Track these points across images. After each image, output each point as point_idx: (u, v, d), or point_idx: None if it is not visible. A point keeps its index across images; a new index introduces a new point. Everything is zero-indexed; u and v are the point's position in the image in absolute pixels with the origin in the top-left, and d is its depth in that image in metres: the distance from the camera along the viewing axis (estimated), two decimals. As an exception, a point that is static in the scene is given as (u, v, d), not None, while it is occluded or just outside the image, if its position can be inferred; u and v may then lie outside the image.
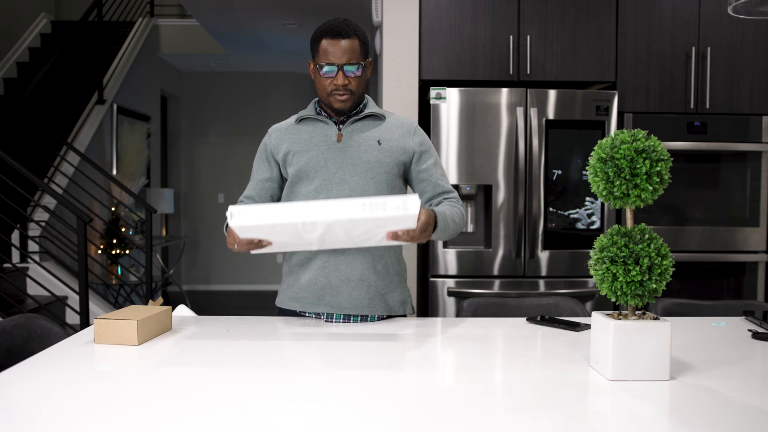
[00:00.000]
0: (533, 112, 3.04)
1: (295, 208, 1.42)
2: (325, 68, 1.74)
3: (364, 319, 1.82)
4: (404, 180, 1.88)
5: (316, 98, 1.89)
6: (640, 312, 1.31)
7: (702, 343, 1.59)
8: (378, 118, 1.84)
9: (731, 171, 3.25)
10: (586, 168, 1.33)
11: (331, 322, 1.82)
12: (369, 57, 1.81)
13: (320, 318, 1.84)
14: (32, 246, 4.62)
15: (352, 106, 1.80)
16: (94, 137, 5.48)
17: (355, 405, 1.14)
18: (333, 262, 1.79)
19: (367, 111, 1.83)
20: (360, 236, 1.49)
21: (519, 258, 3.07)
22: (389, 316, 1.86)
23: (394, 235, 1.48)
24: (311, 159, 1.79)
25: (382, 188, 1.78)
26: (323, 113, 1.85)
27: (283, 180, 1.89)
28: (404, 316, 1.89)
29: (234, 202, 1.71)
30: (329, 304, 1.80)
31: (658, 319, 1.28)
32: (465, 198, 3.11)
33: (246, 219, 1.43)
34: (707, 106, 3.20)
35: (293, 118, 1.89)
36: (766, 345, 1.58)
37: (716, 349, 1.54)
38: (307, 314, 1.86)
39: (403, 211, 1.39)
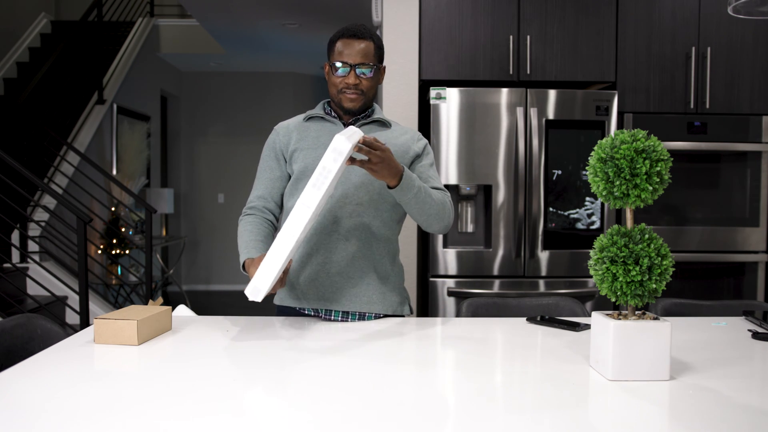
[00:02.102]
0: (533, 112, 3.04)
1: (285, 238, 1.48)
2: (339, 67, 1.79)
3: (362, 317, 1.83)
4: None
5: (325, 99, 1.94)
6: (640, 312, 1.31)
7: (702, 343, 1.59)
8: (384, 124, 1.89)
9: (731, 171, 3.25)
10: (586, 168, 1.33)
11: (329, 319, 1.82)
12: (383, 63, 1.85)
13: (318, 315, 1.84)
14: (32, 246, 4.62)
15: (362, 108, 1.84)
16: (94, 137, 5.48)
17: (354, 404, 1.14)
18: (332, 259, 1.80)
19: (375, 116, 1.88)
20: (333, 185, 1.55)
21: (519, 258, 3.07)
22: (386, 315, 1.86)
23: (351, 161, 1.54)
24: (318, 157, 1.81)
25: (384, 186, 1.79)
26: (332, 113, 1.88)
27: (290, 178, 1.90)
28: (402, 316, 1.89)
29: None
30: (328, 300, 1.81)
31: (658, 319, 1.28)
32: (465, 198, 3.11)
33: (265, 287, 1.50)
34: (707, 106, 3.20)
35: (300, 116, 1.93)
36: (766, 345, 1.58)
37: (716, 349, 1.54)
38: (306, 311, 1.86)
39: (341, 158, 1.46)
